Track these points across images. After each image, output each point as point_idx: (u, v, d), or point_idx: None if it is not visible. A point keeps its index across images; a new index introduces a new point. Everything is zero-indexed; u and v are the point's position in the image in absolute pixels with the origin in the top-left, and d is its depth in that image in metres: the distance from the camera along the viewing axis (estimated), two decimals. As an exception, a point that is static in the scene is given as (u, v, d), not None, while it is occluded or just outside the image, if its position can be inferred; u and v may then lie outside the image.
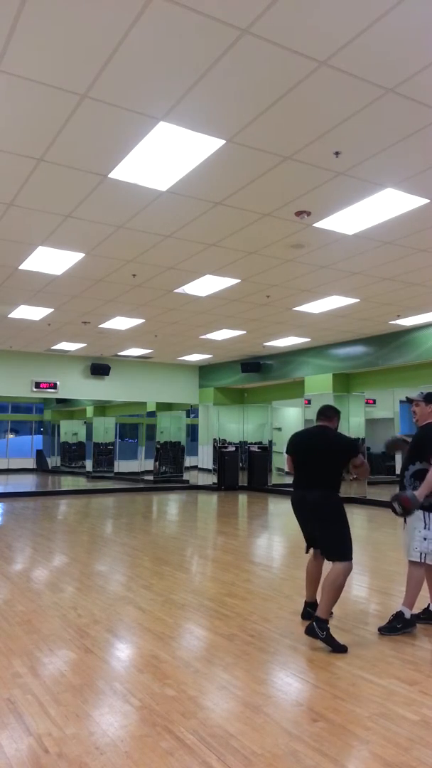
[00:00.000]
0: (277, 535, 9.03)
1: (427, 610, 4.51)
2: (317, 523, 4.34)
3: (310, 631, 4.06)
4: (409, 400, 4.61)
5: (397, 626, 4.27)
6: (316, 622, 4.06)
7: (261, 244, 6.49)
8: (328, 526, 4.28)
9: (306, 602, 4.64)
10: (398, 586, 5.59)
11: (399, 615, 4.30)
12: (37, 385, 14.52)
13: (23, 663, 3.67)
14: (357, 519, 10.75)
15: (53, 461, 23.45)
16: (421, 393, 4.56)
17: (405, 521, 4.40)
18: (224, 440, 16.71)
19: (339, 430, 4.63)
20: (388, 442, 5.09)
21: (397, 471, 4.78)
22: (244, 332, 11.69)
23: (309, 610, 4.53)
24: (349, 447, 4.48)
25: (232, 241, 6.39)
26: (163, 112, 3.89)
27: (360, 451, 4.48)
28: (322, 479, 4.34)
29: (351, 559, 4.15)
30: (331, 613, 4.40)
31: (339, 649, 3.93)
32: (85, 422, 20.93)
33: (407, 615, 4.28)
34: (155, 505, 13.16)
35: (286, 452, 4.68)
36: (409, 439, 4.66)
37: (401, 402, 14.93)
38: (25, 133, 4.18)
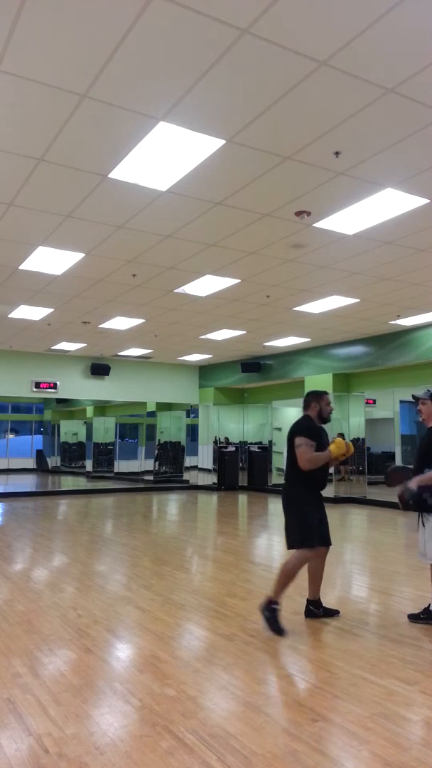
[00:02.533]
0: (277, 536, 9.03)
1: (427, 609, 4.51)
2: (284, 513, 4.49)
3: (260, 608, 4.36)
4: (415, 399, 4.52)
5: (421, 616, 4.48)
6: (265, 602, 4.33)
7: (261, 244, 6.49)
8: (285, 514, 4.44)
9: (308, 599, 4.65)
10: (398, 586, 5.59)
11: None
12: (37, 385, 14.52)
13: (23, 663, 3.67)
14: (357, 519, 10.75)
15: (53, 461, 23.45)
16: (428, 391, 4.46)
17: (423, 524, 4.35)
18: (227, 438, 16.71)
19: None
20: (389, 474, 4.71)
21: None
22: (244, 332, 11.69)
23: (311, 608, 4.61)
24: (294, 430, 4.39)
25: (232, 241, 6.39)
26: (163, 112, 3.89)
27: (303, 434, 4.31)
28: (287, 471, 4.47)
29: (303, 547, 4.29)
30: (275, 604, 4.32)
31: (278, 632, 4.18)
32: (85, 422, 20.93)
33: None
34: (155, 505, 13.16)
35: None
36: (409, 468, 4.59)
37: (401, 402, 14.96)
38: (25, 133, 4.18)
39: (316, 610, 4.59)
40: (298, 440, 4.30)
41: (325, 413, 4.53)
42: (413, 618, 4.51)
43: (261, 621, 4.35)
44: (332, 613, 4.62)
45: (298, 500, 4.40)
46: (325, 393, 4.64)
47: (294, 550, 4.34)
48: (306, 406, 4.57)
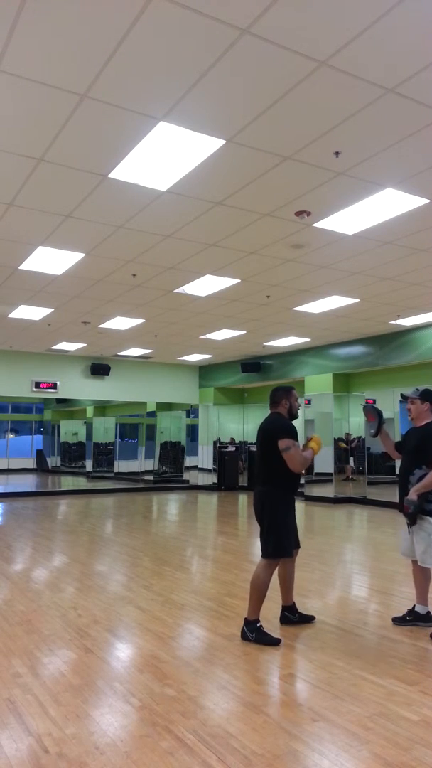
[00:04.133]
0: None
1: (412, 611, 4.49)
2: (259, 519, 4.28)
3: (242, 635, 4.08)
4: (404, 398, 4.56)
5: (407, 618, 4.45)
6: (245, 625, 4.08)
7: (261, 244, 6.49)
8: (261, 521, 4.25)
9: (282, 606, 4.50)
10: (398, 586, 5.59)
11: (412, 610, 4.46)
12: (37, 385, 14.52)
13: (23, 663, 3.67)
14: (357, 519, 10.75)
15: (53, 461, 23.45)
16: (417, 390, 4.49)
17: (409, 527, 4.37)
18: (232, 439, 16.68)
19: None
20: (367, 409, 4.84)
21: (398, 471, 4.74)
22: (244, 332, 11.68)
23: (286, 614, 4.46)
24: (273, 430, 4.17)
25: (232, 241, 6.38)
26: (163, 112, 3.89)
27: (288, 435, 4.11)
28: (262, 473, 4.29)
29: (273, 557, 4.11)
30: (258, 623, 4.12)
31: (272, 642, 3.97)
32: (85, 422, 20.93)
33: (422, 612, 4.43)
34: (155, 505, 13.16)
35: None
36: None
37: (401, 402, 14.99)
38: (25, 133, 4.18)
39: (291, 615, 4.43)
40: (285, 442, 4.08)
41: (294, 409, 4.36)
42: (398, 621, 4.45)
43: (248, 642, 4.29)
44: (308, 619, 4.47)
45: (276, 503, 4.20)
46: (293, 388, 4.45)
47: (263, 559, 4.15)
48: (276, 403, 4.36)
